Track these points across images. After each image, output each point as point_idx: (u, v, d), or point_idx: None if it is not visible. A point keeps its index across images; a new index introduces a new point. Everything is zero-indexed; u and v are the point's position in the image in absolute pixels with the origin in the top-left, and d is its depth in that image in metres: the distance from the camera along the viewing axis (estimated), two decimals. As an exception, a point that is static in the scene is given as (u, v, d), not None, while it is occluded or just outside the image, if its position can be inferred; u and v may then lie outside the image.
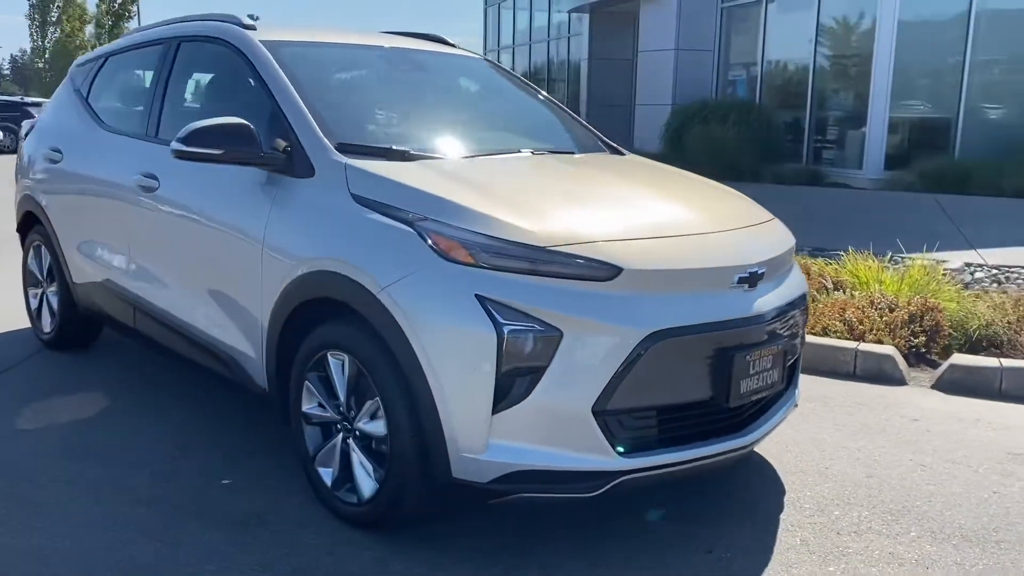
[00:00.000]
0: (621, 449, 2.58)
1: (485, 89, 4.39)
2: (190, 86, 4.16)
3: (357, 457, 2.86)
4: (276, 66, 3.39)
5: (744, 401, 2.80)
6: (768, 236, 3.11)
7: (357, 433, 2.85)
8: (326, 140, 3.08)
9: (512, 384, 2.48)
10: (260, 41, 3.54)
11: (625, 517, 2.98)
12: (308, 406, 3.02)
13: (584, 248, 2.57)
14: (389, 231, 2.70)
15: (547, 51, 25.27)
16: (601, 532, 2.89)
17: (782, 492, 3.24)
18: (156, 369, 4.53)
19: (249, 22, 3.73)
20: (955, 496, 3.23)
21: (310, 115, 3.17)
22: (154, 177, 3.70)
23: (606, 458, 2.56)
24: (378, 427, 2.74)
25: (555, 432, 2.53)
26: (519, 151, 3.58)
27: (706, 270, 2.73)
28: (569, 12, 21.84)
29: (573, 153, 3.82)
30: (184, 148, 3.13)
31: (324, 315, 2.92)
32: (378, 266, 2.67)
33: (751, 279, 2.79)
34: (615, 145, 4.03)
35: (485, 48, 30.30)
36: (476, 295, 2.49)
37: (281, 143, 3.14)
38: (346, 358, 2.82)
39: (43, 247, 4.81)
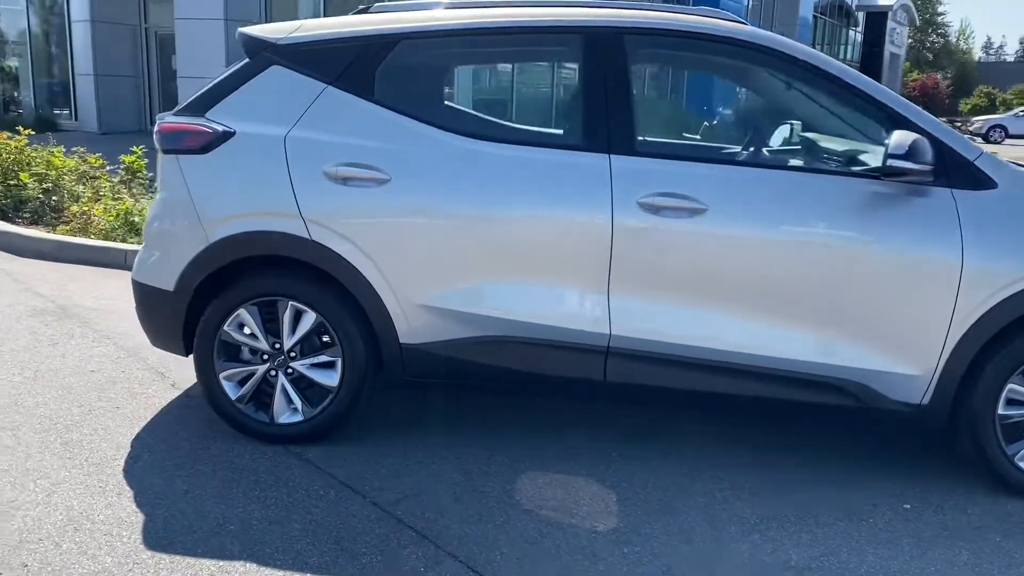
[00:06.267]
0: None
1: None
2: (692, 91, 3.47)
3: None
4: (864, 77, 3.29)
5: None
6: None
7: None
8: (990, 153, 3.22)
9: None
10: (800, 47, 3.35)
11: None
12: (1005, 409, 3.25)
13: None
14: None
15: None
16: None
17: None
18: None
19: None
20: None
21: (951, 129, 3.24)
22: (685, 197, 3.18)
23: None
24: None
25: None
26: None
27: None
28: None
29: None
30: (908, 165, 3.02)
31: None
32: None
33: None
34: None
35: None
36: None
37: None
38: None
39: (292, 306, 3.41)
